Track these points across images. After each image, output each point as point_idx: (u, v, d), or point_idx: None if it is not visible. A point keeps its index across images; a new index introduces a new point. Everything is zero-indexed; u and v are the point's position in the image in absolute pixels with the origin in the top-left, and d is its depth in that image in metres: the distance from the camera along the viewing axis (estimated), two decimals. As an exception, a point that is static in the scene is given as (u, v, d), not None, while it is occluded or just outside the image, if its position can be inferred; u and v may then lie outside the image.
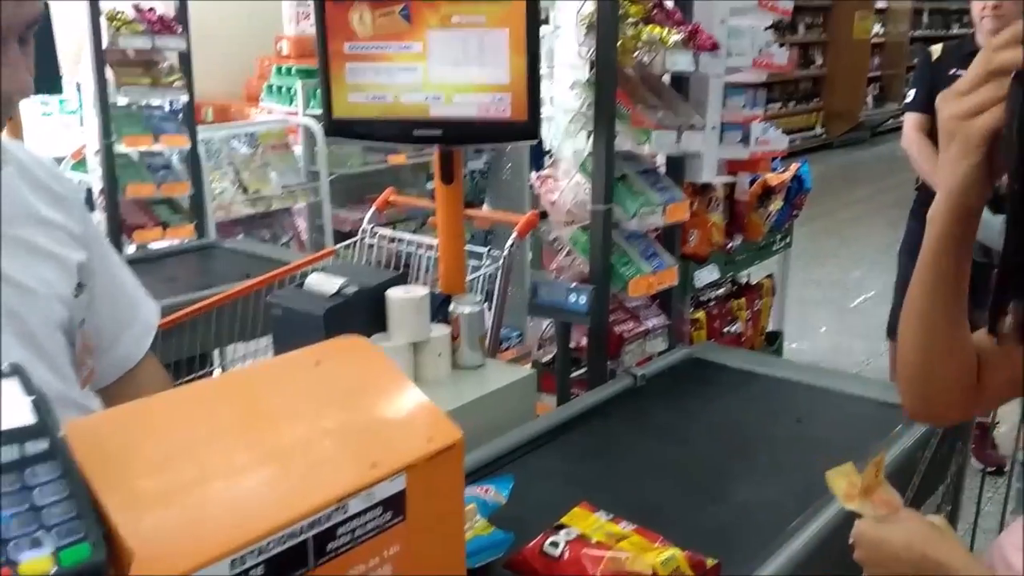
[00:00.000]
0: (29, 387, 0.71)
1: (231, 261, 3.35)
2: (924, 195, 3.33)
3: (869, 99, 12.01)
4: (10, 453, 0.65)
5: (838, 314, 5.53)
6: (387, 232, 3.13)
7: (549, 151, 2.69)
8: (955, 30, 13.12)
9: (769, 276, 3.31)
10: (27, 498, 0.64)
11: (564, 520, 1.47)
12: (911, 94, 3.44)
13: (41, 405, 0.70)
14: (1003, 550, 0.97)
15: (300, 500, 0.77)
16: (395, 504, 0.85)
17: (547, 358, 2.77)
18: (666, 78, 2.42)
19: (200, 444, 0.80)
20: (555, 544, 1.41)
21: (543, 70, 2.46)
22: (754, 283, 3.25)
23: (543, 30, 2.43)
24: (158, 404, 0.84)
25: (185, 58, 3.56)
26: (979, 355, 0.99)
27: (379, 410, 0.94)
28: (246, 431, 0.84)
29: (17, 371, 0.70)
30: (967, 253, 0.90)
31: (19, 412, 0.69)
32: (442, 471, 0.91)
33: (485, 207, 4.83)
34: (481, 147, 4.12)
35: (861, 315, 5.44)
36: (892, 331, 3.73)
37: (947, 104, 0.83)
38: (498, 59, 1.93)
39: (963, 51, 3.25)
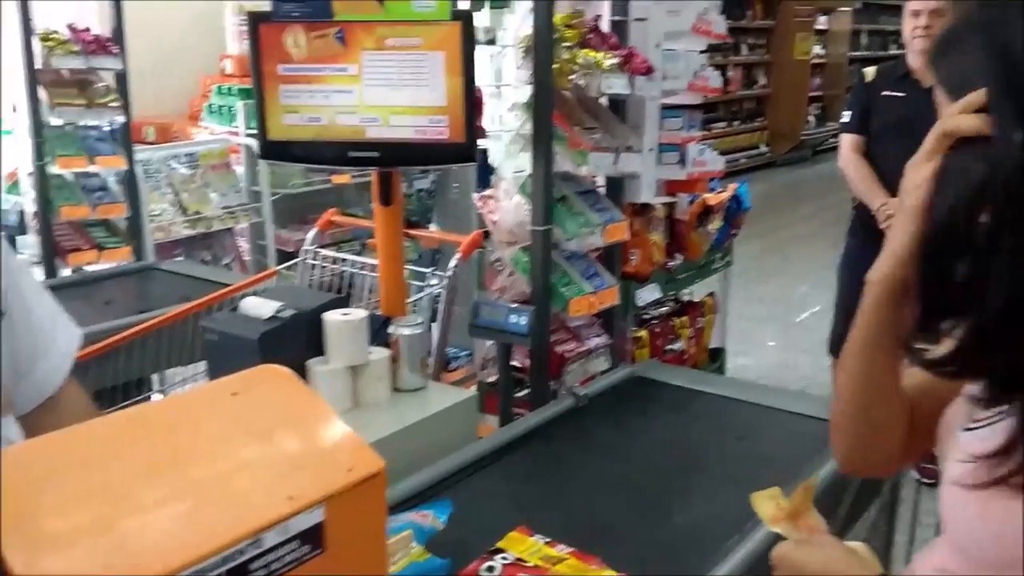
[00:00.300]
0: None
1: (169, 284, 3.29)
2: (861, 214, 3.40)
3: (811, 118, 12.26)
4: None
5: (783, 330, 5.61)
6: (329, 253, 3.11)
7: (495, 170, 2.71)
8: (892, 51, 13.48)
9: (711, 294, 3.35)
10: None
11: (501, 544, 1.46)
12: (846, 115, 3.51)
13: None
14: (914, 570, 0.98)
15: (212, 535, 0.76)
16: (313, 537, 0.83)
17: (492, 379, 2.76)
18: (604, 100, 2.44)
19: (113, 480, 0.78)
20: (491, 569, 1.40)
21: (491, 90, 2.48)
22: (696, 301, 3.28)
23: (491, 50, 2.45)
24: (70, 438, 0.82)
25: (122, 78, 3.51)
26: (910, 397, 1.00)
27: (298, 441, 0.92)
28: (161, 466, 0.82)
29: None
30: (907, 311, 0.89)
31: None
32: (363, 502, 0.90)
33: (432, 227, 4.82)
34: (418, 169, 4.12)
35: (806, 330, 5.52)
36: (833, 348, 3.79)
37: (908, 170, 0.83)
38: (434, 81, 1.93)
39: (896, 73, 3.33)
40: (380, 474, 0.93)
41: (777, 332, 5.57)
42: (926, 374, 0.92)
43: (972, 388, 0.89)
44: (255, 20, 1.99)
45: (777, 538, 1.04)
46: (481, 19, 3.85)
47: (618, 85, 2.14)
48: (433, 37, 1.92)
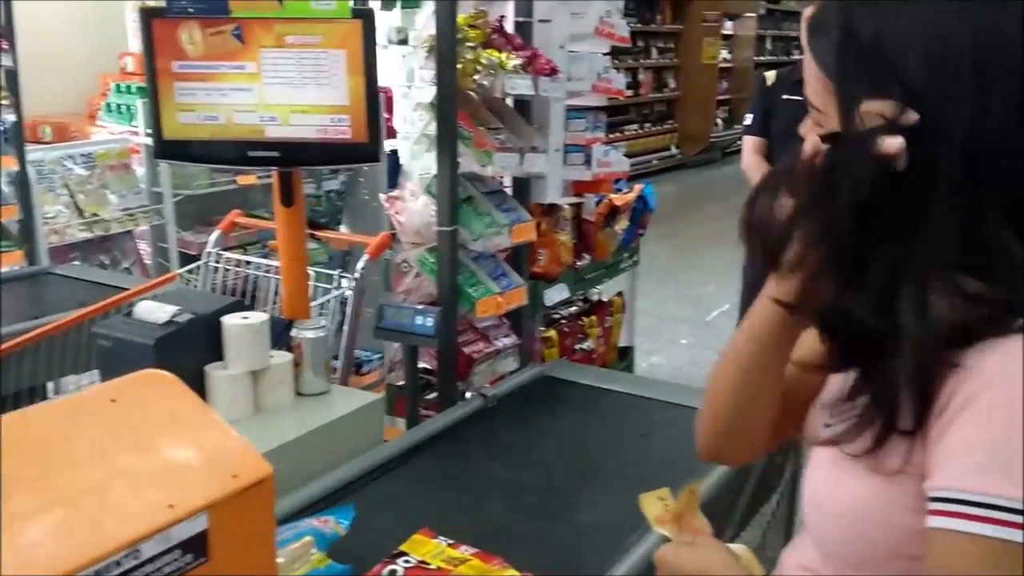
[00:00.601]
0: None
1: (65, 288, 3.17)
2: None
3: (719, 121, 12.54)
4: None
5: (694, 328, 5.72)
6: (233, 256, 3.04)
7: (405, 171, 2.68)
8: (795, 55, 13.89)
9: (619, 293, 3.39)
10: None
11: (404, 547, 1.45)
12: (748, 118, 3.60)
13: None
14: (782, 569, 1.01)
15: (87, 547, 0.73)
16: (196, 545, 0.81)
17: (401, 382, 2.74)
18: (510, 101, 2.45)
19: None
20: (393, 572, 1.39)
21: (403, 90, 2.46)
22: (605, 300, 3.32)
23: (403, 50, 2.43)
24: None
25: (12, 76, 3.37)
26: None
27: (180, 447, 0.90)
28: (31, 476, 0.79)
29: None
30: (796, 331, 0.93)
31: None
32: (249, 509, 0.88)
33: (343, 229, 4.76)
34: (326, 169, 4.07)
35: (716, 329, 5.64)
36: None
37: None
38: (335, 80, 1.91)
39: (794, 77, 3.43)
40: (267, 480, 0.91)
41: (688, 331, 5.68)
42: (798, 367, 0.96)
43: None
44: (148, 16, 1.93)
45: (664, 539, 1.05)
46: (393, 19, 3.83)
47: (522, 86, 2.15)
48: (333, 35, 1.89)
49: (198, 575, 0.83)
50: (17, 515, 0.76)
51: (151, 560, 0.79)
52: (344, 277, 2.85)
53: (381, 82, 3.71)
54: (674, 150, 11.88)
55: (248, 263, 3.00)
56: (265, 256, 3.30)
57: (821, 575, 0.92)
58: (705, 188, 10.72)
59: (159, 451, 0.89)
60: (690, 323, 5.79)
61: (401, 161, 2.62)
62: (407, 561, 1.41)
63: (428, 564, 1.41)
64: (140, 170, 4.17)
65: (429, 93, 2.19)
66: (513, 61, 2.14)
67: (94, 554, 0.75)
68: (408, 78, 2.37)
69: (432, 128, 2.13)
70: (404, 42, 2.52)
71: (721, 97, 12.57)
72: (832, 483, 0.88)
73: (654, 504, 1.10)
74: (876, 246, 0.79)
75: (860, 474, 0.83)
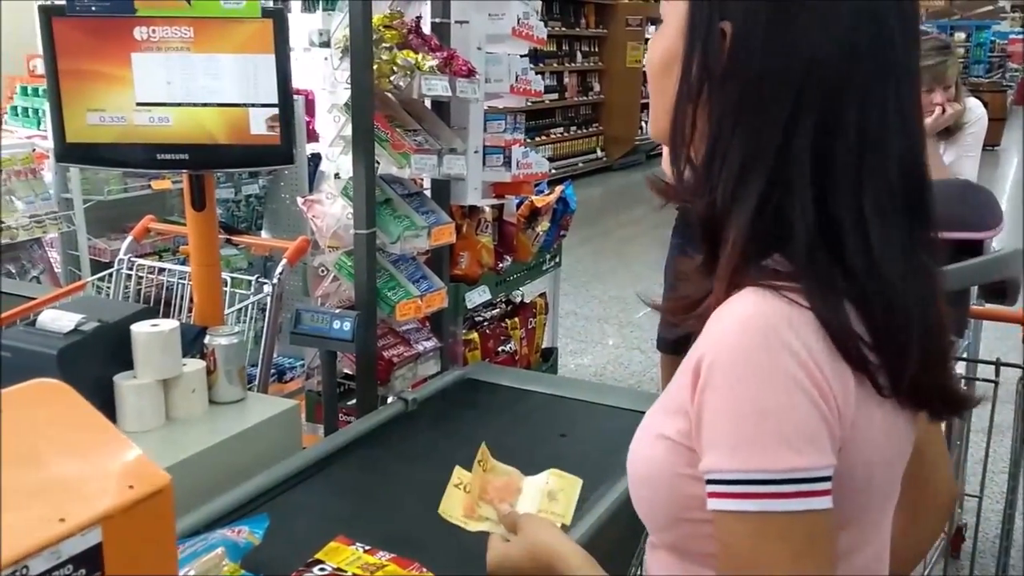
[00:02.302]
0: None
1: (-33, 298, 3.04)
2: (683, 213, 3.53)
3: (644, 124, 12.72)
4: None
5: (619, 329, 5.78)
6: (146, 262, 2.96)
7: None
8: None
9: (542, 295, 3.40)
10: None
11: (319, 555, 1.43)
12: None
13: None
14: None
15: (-32, 566, 0.70)
16: (89, 560, 0.78)
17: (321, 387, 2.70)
18: (428, 103, 2.44)
19: None
20: (308, 582, 1.36)
21: (325, 92, 2.42)
22: (527, 302, 3.32)
23: (325, 52, 2.39)
24: None
25: (-93, 77, 3.22)
26: None
27: (71, 459, 0.87)
28: (-93, 493, 0.75)
29: None
30: None
31: None
32: (146, 520, 0.85)
33: (264, 233, 4.68)
34: (237, 173, 3.99)
35: (639, 329, 5.70)
36: (660, 344, 3.93)
37: None
38: (247, 80, 1.87)
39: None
40: (165, 490, 0.88)
41: (613, 331, 5.74)
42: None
43: None
44: (48, 14, 1.87)
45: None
46: (315, 21, 3.78)
47: (439, 87, 2.14)
48: (244, 35, 1.86)
49: (92, 590, 0.80)
50: None
51: (39, 577, 0.76)
52: (263, 282, 2.79)
53: (304, 85, 3.66)
54: (600, 153, 12.01)
55: (163, 270, 2.93)
56: (182, 263, 3.22)
57: (655, 543, 0.94)
58: (630, 190, 10.85)
59: (49, 463, 0.86)
60: (616, 323, 5.85)
61: (321, 166, 2.59)
62: (322, 569, 1.39)
63: (344, 571, 1.39)
64: (49, 175, 4.03)
65: (345, 95, 2.17)
66: (430, 62, 2.13)
67: (-25, 572, 0.71)
68: (329, 81, 2.34)
69: (348, 130, 2.11)
70: (326, 44, 2.49)
71: (645, 100, 12.75)
72: (636, 448, 0.91)
73: (455, 501, 1.11)
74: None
75: (652, 437, 0.86)
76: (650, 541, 0.96)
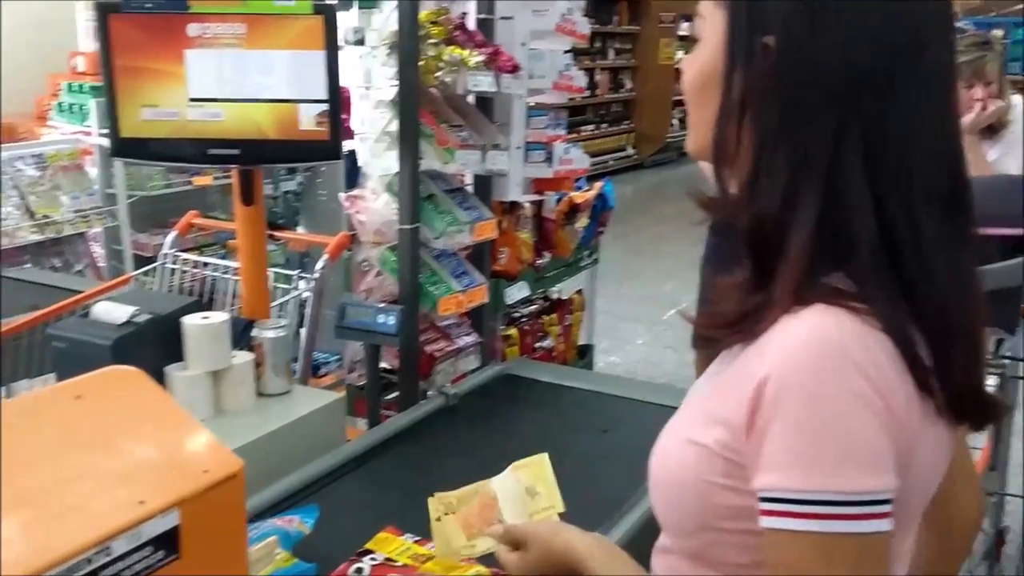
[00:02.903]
0: None
1: (15, 291, 3.09)
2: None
3: (675, 121, 12.65)
4: None
5: (650, 327, 5.76)
6: (190, 257, 3.00)
7: (362, 170, 2.66)
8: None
9: (579, 291, 3.40)
10: None
11: (369, 545, 1.45)
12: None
13: None
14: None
15: (56, 545, 0.72)
16: (167, 542, 0.80)
17: (362, 381, 2.72)
18: (471, 99, 2.45)
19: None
20: (359, 571, 1.38)
21: (360, 91, 2.45)
22: (565, 298, 3.33)
23: (360, 51, 2.42)
24: None
25: (-42, 74, 3.28)
26: None
27: (149, 443, 0.89)
28: (-4, 475, 0.77)
29: None
30: None
31: None
32: (220, 504, 0.87)
33: (300, 229, 4.72)
34: (283, 168, 4.03)
35: (671, 327, 5.68)
36: (695, 342, 3.91)
37: None
38: (297, 77, 1.89)
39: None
40: (238, 475, 0.90)
41: (644, 329, 5.72)
42: None
43: None
44: (104, 11, 1.90)
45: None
46: (350, 19, 3.79)
47: (484, 83, 2.15)
48: (295, 32, 1.88)
49: (169, 572, 0.82)
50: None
51: (121, 558, 0.78)
52: (303, 278, 2.82)
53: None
54: (631, 150, 11.96)
55: (205, 264, 2.96)
56: (223, 258, 3.26)
57: (669, 547, 0.94)
58: (661, 188, 10.81)
59: (127, 447, 0.88)
60: (648, 322, 5.83)
61: (359, 162, 2.61)
62: (373, 559, 1.41)
63: (394, 561, 1.40)
64: (93, 171, 4.10)
65: (390, 91, 2.19)
66: (475, 58, 2.14)
67: (64, 552, 0.74)
68: (366, 79, 2.36)
69: (394, 126, 2.12)
70: (361, 43, 2.51)
71: (677, 97, 12.67)
72: (661, 450, 0.91)
73: (446, 539, 1.08)
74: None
75: (682, 441, 0.86)
76: (660, 544, 0.96)
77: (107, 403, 0.91)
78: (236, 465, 0.92)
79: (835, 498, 0.73)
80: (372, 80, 2.34)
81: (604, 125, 11.56)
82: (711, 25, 0.87)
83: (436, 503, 1.11)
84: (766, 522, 0.76)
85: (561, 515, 1.07)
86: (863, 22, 0.79)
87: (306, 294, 2.82)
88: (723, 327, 0.87)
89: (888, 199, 0.79)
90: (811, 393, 0.74)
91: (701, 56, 0.89)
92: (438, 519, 1.09)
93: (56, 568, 0.72)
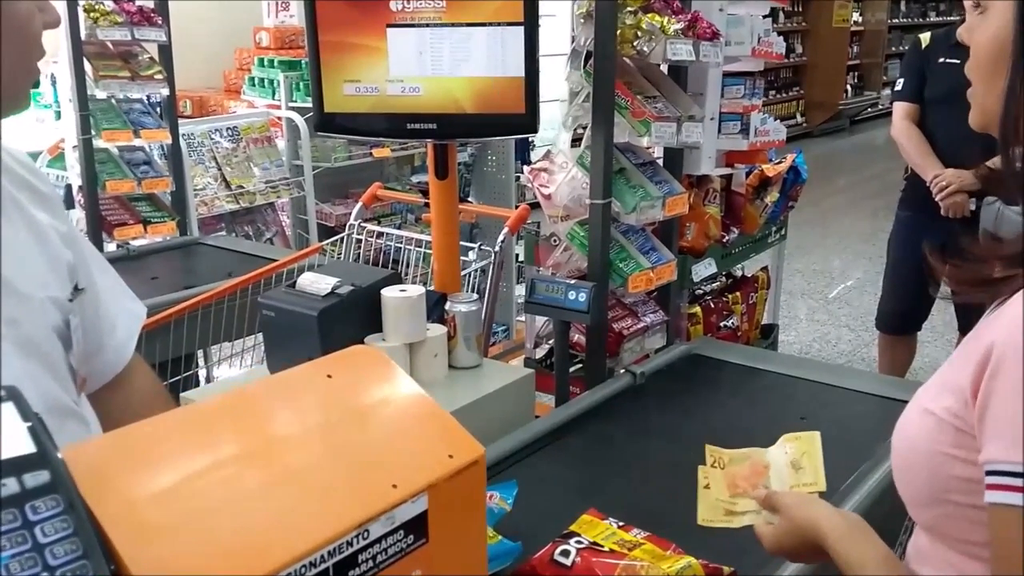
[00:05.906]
0: (25, 411, 0.65)
1: (214, 259, 3.27)
2: (913, 184, 3.31)
3: (848, 88, 12.03)
4: (9, 487, 0.60)
5: (822, 304, 5.53)
6: (374, 228, 3.08)
7: (533, 143, 2.64)
8: (932, 18, 13.18)
9: (764, 269, 3.28)
10: (29, 536, 0.59)
11: (573, 528, 1.42)
12: (900, 83, 3.41)
13: (38, 431, 0.64)
14: None
15: (318, 527, 0.72)
16: (417, 526, 0.80)
17: (541, 355, 2.72)
18: (664, 68, 2.37)
19: (206, 469, 0.75)
20: (566, 553, 1.36)
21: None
22: (748, 276, 3.21)
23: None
24: (159, 426, 0.79)
25: (165, 50, 3.47)
26: None
27: (396, 426, 0.89)
28: (254, 454, 0.78)
29: (13, 395, 0.64)
30: None
31: (16, 440, 0.63)
32: (464, 489, 0.87)
33: (471, 200, 4.78)
34: (473, 142, 4.06)
35: (842, 304, 5.44)
36: (881, 323, 3.71)
37: None
38: (495, 51, 1.88)
39: (951, 40, 3.22)
40: (480, 461, 0.89)
41: (816, 306, 5.49)
42: None
43: None
44: (311, -11, 1.93)
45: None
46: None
47: (683, 51, 2.06)
48: (495, 6, 1.86)
49: (418, 557, 0.82)
50: (249, 494, 0.75)
51: (378, 541, 0.78)
52: (486, 249, 2.84)
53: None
54: (800, 118, 11.47)
55: (388, 235, 3.03)
56: (399, 228, 3.33)
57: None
58: (832, 158, 10.31)
59: (377, 429, 0.89)
60: (821, 299, 5.60)
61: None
62: (579, 542, 1.38)
63: (600, 546, 1.37)
64: (281, 143, 4.28)
65: (582, 62, 2.14)
66: (675, 25, 2.06)
67: (329, 533, 0.74)
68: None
69: (587, 98, 2.07)
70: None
71: (851, 62, 12.04)
72: (903, 420, 0.90)
73: (709, 505, 1.11)
74: None
75: (920, 412, 0.85)
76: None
77: (355, 383, 0.91)
78: (478, 451, 0.91)
79: None
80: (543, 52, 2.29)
81: (772, 92, 11.12)
82: None
83: (704, 473, 1.15)
84: (988, 496, 0.75)
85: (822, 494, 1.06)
86: None
87: (479, 266, 2.85)
88: (972, 284, 0.87)
89: None
90: None
91: (992, 26, 0.85)
92: (705, 487, 1.13)
93: (323, 548, 0.73)
